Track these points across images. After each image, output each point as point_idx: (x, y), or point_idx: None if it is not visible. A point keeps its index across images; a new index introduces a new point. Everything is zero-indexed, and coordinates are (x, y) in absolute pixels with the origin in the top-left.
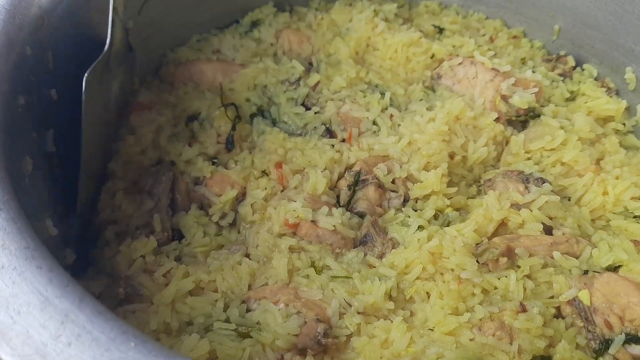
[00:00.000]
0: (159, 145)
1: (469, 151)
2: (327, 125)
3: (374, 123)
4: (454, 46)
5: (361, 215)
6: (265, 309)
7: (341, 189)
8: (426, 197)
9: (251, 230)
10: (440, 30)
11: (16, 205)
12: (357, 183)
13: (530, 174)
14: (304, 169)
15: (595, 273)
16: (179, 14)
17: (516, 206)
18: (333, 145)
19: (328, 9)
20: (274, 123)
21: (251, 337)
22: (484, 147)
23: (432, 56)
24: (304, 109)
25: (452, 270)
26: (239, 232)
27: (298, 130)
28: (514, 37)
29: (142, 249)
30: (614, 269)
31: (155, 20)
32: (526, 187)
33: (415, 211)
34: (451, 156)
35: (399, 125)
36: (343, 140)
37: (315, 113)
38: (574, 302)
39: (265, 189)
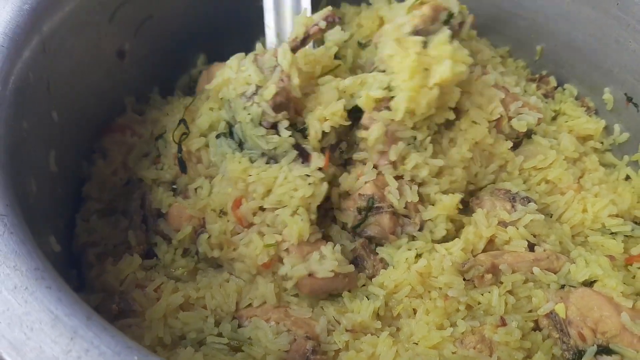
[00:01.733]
0: (128, 166)
1: (478, 176)
2: (305, 146)
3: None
4: (472, 50)
5: (369, 239)
6: (256, 326)
7: (348, 209)
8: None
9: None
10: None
11: (25, 227)
12: (371, 209)
13: (516, 192)
14: (274, 210)
15: (571, 287)
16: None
17: (503, 224)
18: (308, 176)
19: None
20: (240, 145)
21: (243, 351)
22: (492, 174)
23: None
24: (264, 130)
25: (440, 288)
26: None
27: (264, 156)
28: (501, 56)
29: (129, 268)
30: (590, 283)
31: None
32: (512, 206)
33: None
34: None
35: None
36: (320, 169)
37: (289, 136)
38: (550, 314)
39: (225, 230)
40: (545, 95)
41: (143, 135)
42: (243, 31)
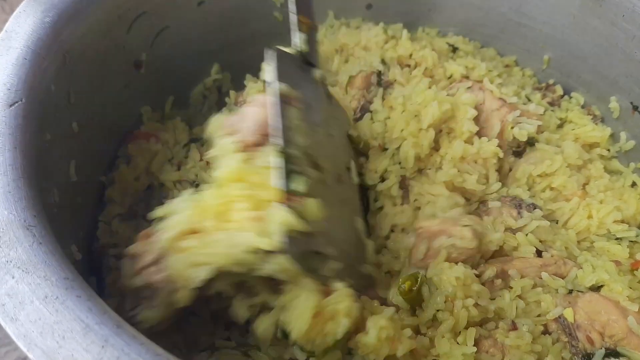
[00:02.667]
0: (150, 172)
1: (483, 187)
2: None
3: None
4: (466, 67)
5: None
6: None
7: None
8: None
9: None
10: (454, 50)
11: (52, 237)
12: None
13: (522, 200)
14: None
15: (579, 292)
16: (191, 45)
17: (510, 230)
18: None
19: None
20: None
21: (249, 356)
22: (497, 182)
23: (450, 76)
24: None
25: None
26: None
27: None
28: (507, 65)
29: None
30: (596, 288)
31: (167, 51)
32: (519, 213)
33: None
34: (468, 198)
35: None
36: None
37: None
38: (559, 319)
39: None
40: (552, 104)
41: (168, 142)
42: (256, 41)
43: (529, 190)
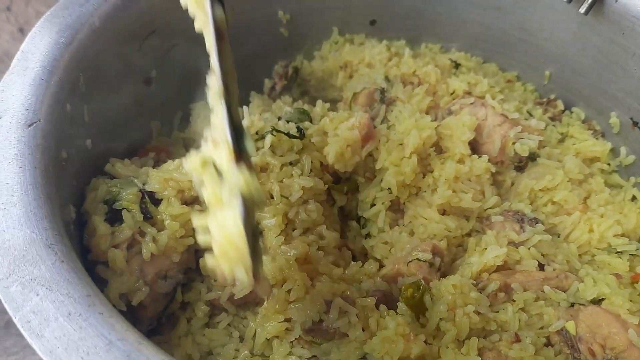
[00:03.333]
0: None
1: (480, 203)
2: None
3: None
4: (469, 83)
5: None
6: None
7: None
8: None
9: None
10: (457, 66)
11: (74, 254)
12: None
13: (525, 214)
14: None
15: (581, 306)
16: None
17: (512, 244)
18: None
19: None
20: None
21: None
22: (494, 196)
23: (453, 92)
24: None
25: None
26: None
27: None
28: (509, 80)
29: None
30: (598, 301)
31: (175, 68)
32: (521, 227)
33: None
34: (467, 217)
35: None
36: None
37: None
38: (561, 332)
39: None
40: (553, 119)
41: (177, 155)
42: (261, 57)
43: (531, 204)
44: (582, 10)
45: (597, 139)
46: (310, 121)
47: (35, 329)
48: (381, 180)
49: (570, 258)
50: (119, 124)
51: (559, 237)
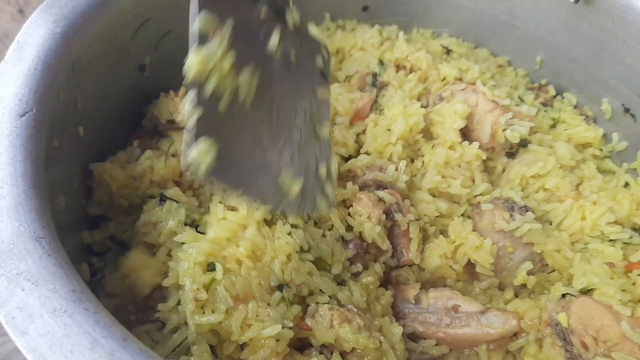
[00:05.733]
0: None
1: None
2: None
3: None
4: (460, 69)
5: None
6: None
7: None
8: None
9: None
10: (448, 52)
11: (61, 248)
12: None
13: (515, 202)
14: None
15: (572, 297)
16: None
17: (502, 232)
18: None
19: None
20: None
21: None
22: (485, 183)
23: (444, 78)
24: None
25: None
26: None
27: None
28: (500, 65)
29: None
30: (587, 291)
31: (170, 54)
32: (511, 215)
33: None
34: (457, 201)
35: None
36: None
37: None
38: (553, 323)
39: None
40: (544, 104)
41: (174, 139)
42: None
43: (522, 191)
44: None
45: (589, 124)
46: None
47: (19, 326)
48: None
49: (562, 247)
50: (112, 110)
51: (550, 224)
